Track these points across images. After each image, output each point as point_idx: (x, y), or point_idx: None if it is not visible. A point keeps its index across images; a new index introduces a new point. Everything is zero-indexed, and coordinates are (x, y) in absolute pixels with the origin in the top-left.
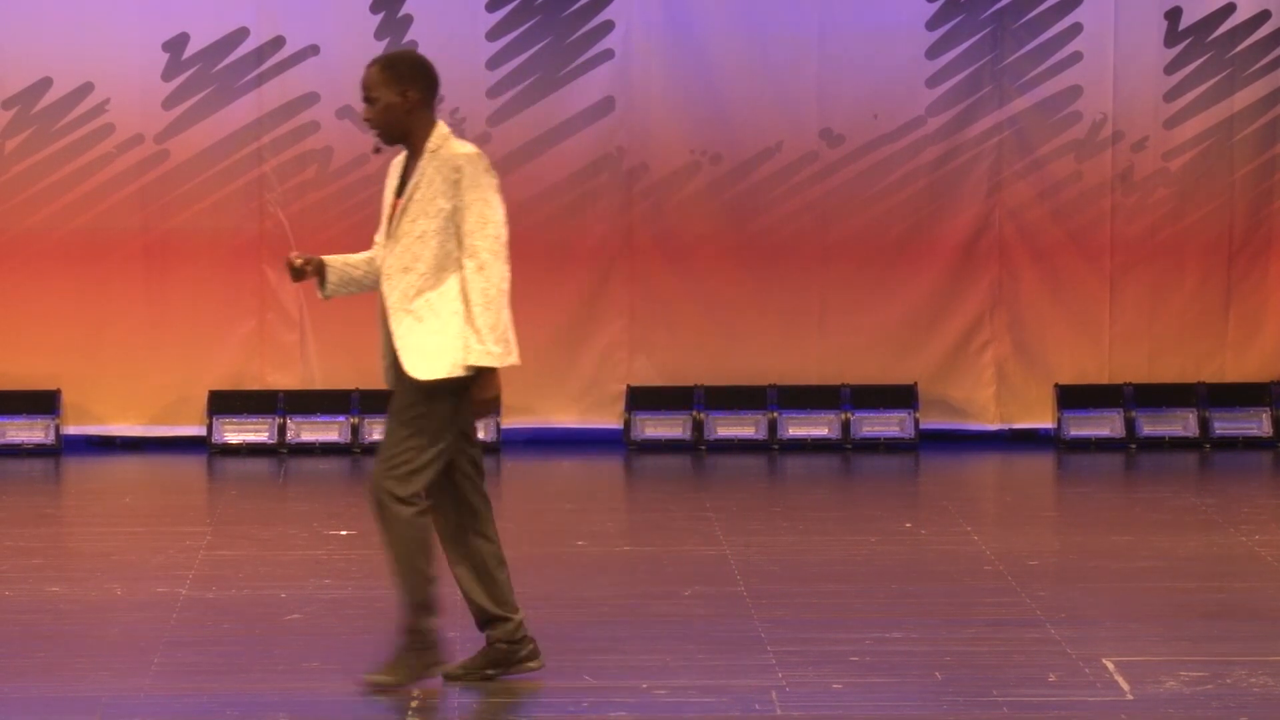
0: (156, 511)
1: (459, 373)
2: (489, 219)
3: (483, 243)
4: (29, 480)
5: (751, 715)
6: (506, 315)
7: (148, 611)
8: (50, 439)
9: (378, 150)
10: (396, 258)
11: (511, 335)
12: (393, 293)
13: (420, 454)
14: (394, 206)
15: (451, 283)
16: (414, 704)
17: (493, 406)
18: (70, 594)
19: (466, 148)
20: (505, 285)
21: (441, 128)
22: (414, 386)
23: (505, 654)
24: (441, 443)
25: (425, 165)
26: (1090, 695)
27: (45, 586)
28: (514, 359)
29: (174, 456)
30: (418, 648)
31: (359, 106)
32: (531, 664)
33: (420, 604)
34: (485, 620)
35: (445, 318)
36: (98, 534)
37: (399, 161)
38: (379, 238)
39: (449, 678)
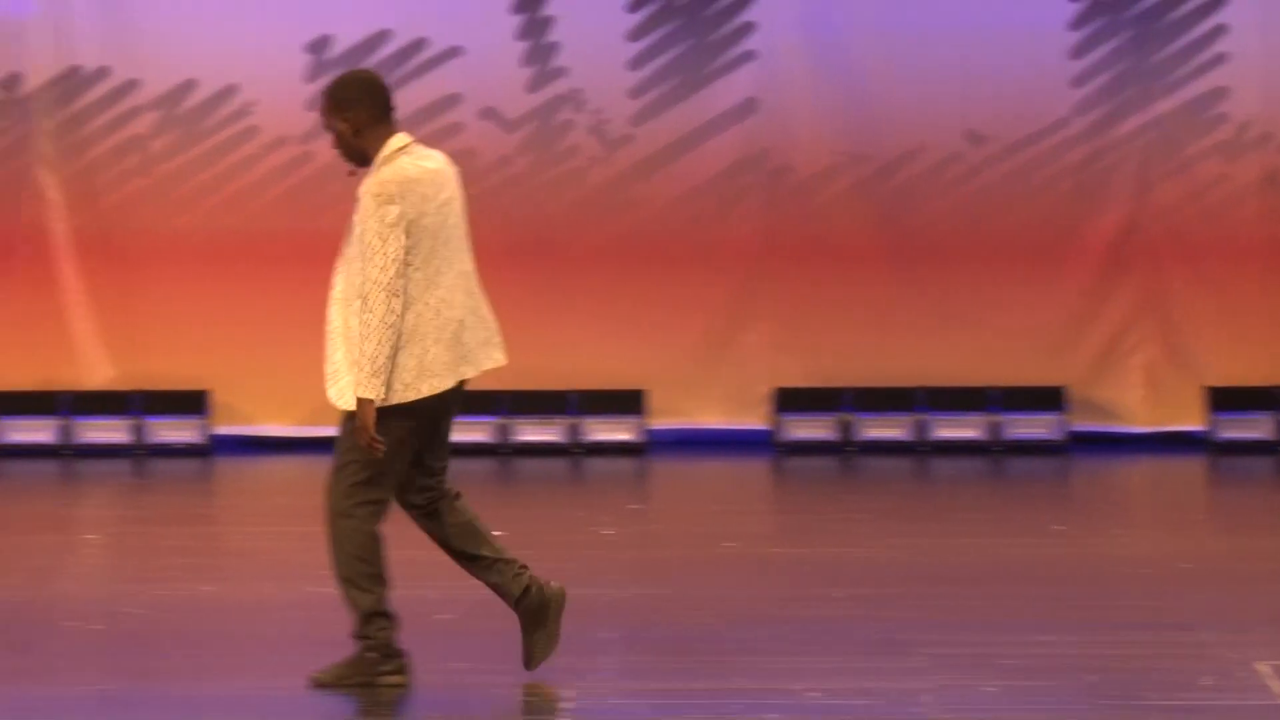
0: (307, 511)
1: (399, 399)
2: (375, 250)
3: (370, 273)
4: (181, 480)
5: (903, 718)
6: (386, 350)
7: (300, 611)
8: (201, 439)
9: (352, 173)
10: (340, 281)
11: (399, 371)
12: (334, 318)
13: (358, 471)
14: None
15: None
16: (566, 704)
17: (364, 438)
18: (223, 593)
19: (380, 174)
20: (391, 319)
21: (388, 147)
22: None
23: (535, 600)
24: (375, 463)
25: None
26: (1244, 699)
27: (198, 586)
28: (384, 396)
29: (324, 456)
30: (369, 654)
31: (502, 108)
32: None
33: (366, 614)
34: (513, 598)
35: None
36: (250, 533)
37: None
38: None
39: (530, 665)
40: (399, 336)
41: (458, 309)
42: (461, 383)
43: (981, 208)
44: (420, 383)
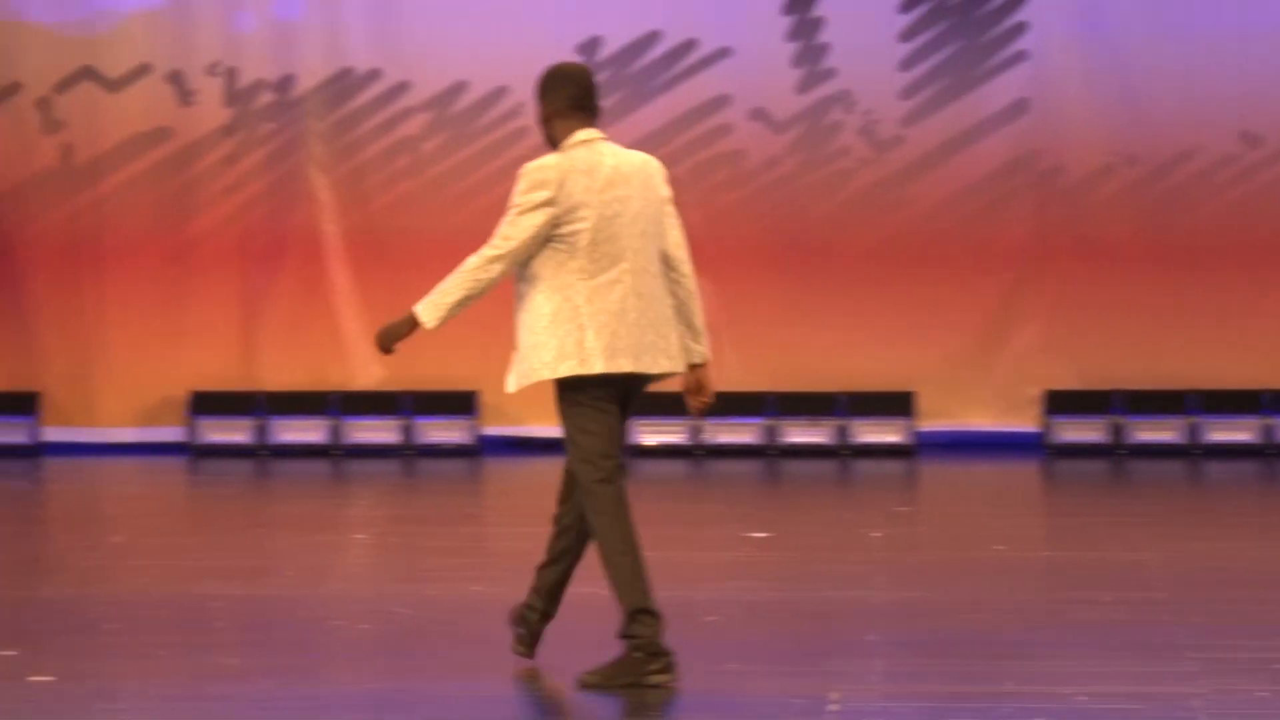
0: None
1: (535, 378)
2: (505, 220)
3: (493, 236)
4: (449, 480)
5: None
6: (457, 296)
7: (567, 611)
8: (470, 439)
9: None
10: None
11: (538, 350)
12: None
13: (585, 470)
14: None
15: (526, 292)
16: (833, 706)
17: (380, 339)
18: (491, 594)
19: (545, 159)
20: (481, 275)
21: (573, 138)
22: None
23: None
24: (577, 436)
25: None
26: None
27: (467, 586)
28: (429, 326)
29: None
30: (635, 654)
31: (771, 109)
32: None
33: (631, 612)
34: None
35: (522, 330)
36: (518, 534)
37: None
38: None
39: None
40: (479, 292)
41: (614, 303)
42: (632, 376)
43: (1256, 210)
44: (559, 364)
